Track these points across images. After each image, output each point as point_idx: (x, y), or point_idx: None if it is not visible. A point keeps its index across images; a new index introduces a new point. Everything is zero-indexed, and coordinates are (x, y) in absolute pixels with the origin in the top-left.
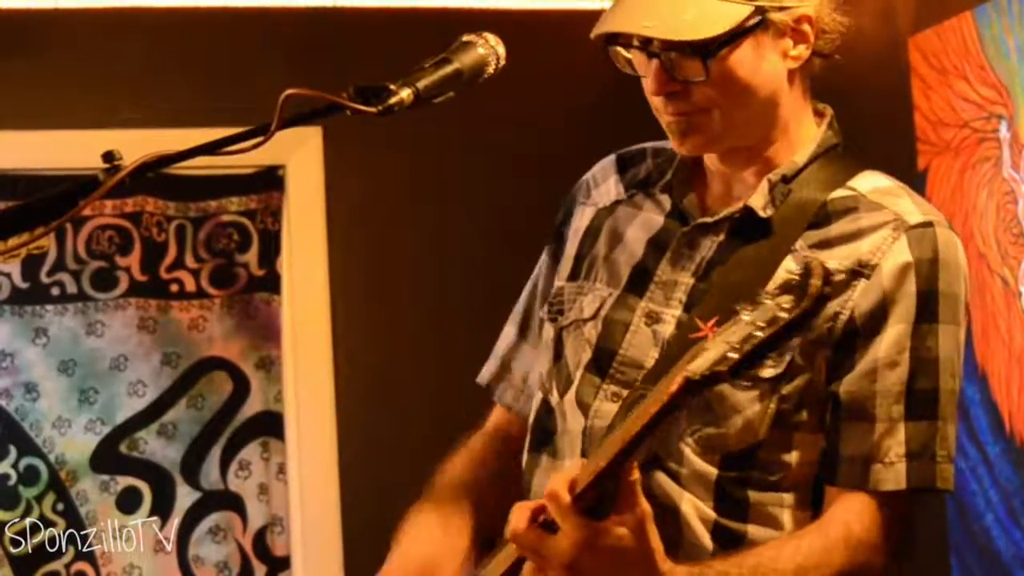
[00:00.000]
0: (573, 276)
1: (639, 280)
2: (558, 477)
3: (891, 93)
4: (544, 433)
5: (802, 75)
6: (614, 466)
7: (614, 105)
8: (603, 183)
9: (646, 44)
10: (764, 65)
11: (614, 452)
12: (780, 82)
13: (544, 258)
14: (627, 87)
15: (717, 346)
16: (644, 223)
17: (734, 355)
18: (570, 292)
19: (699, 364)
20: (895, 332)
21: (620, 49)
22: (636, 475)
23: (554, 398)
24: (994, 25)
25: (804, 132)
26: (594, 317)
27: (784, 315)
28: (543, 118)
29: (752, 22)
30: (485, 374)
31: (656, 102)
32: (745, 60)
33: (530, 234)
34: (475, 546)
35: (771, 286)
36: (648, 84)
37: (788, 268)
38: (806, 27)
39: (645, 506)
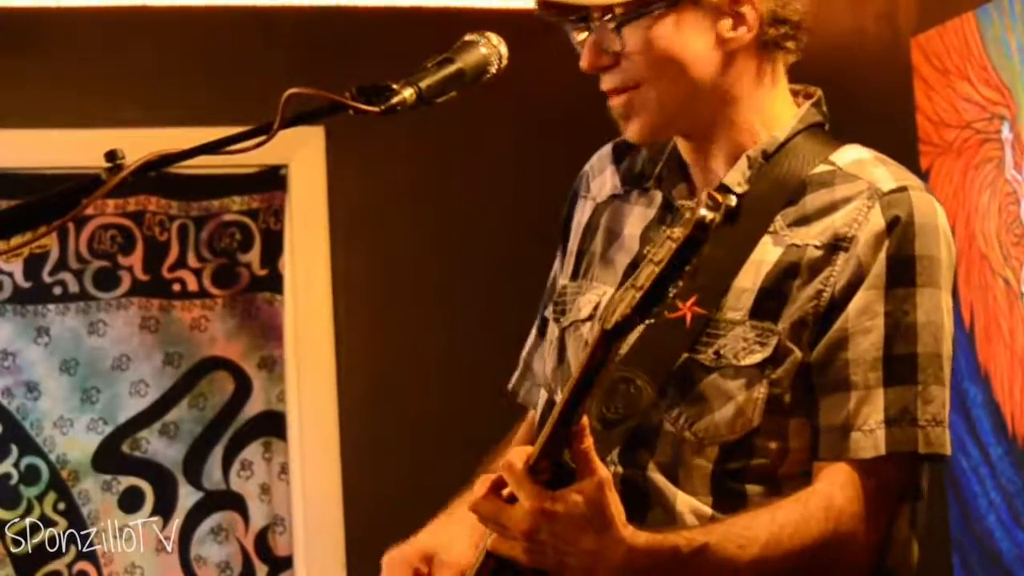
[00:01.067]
0: (574, 275)
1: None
2: (516, 450)
3: (893, 94)
4: None
5: (761, 58)
6: (557, 430)
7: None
8: (600, 175)
9: (582, 20)
10: (692, 42)
11: (555, 418)
12: (717, 62)
13: (558, 254)
14: None
15: (628, 293)
16: (637, 218)
17: (639, 295)
18: (571, 292)
19: (612, 314)
20: (864, 299)
21: (575, 33)
22: (588, 443)
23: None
24: (996, 25)
25: (777, 114)
26: (591, 317)
27: (672, 244)
28: (544, 118)
29: None
30: (512, 381)
31: (602, 82)
32: (667, 33)
33: (531, 234)
34: None
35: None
36: (582, 60)
37: (767, 249)
38: (746, 9)
39: (603, 472)
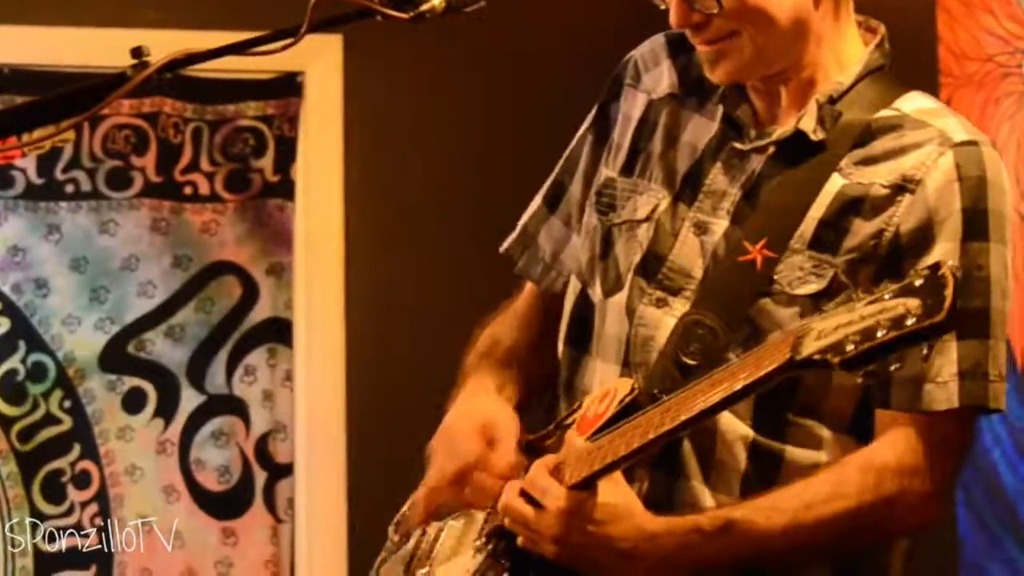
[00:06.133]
0: (627, 171)
1: (690, 187)
2: (540, 464)
3: (916, 25)
4: (583, 329)
5: None
6: (659, 441)
7: (644, 16)
8: (654, 68)
9: None
10: None
11: (660, 433)
12: (804, 6)
13: (586, 135)
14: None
15: (831, 331)
16: (698, 129)
17: (851, 348)
18: (623, 188)
19: (809, 345)
20: (942, 250)
21: None
22: None
23: (596, 295)
24: None
25: (847, 52)
26: (648, 219)
27: (912, 321)
28: (570, 27)
29: None
30: (507, 243)
31: (687, 34)
32: None
33: (550, 147)
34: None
35: (893, 284)
36: (671, 17)
37: (833, 181)
38: None
39: None
